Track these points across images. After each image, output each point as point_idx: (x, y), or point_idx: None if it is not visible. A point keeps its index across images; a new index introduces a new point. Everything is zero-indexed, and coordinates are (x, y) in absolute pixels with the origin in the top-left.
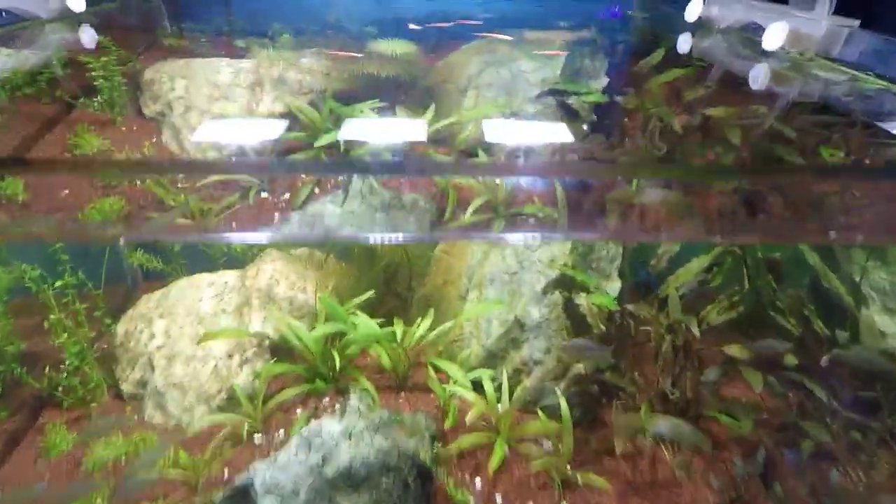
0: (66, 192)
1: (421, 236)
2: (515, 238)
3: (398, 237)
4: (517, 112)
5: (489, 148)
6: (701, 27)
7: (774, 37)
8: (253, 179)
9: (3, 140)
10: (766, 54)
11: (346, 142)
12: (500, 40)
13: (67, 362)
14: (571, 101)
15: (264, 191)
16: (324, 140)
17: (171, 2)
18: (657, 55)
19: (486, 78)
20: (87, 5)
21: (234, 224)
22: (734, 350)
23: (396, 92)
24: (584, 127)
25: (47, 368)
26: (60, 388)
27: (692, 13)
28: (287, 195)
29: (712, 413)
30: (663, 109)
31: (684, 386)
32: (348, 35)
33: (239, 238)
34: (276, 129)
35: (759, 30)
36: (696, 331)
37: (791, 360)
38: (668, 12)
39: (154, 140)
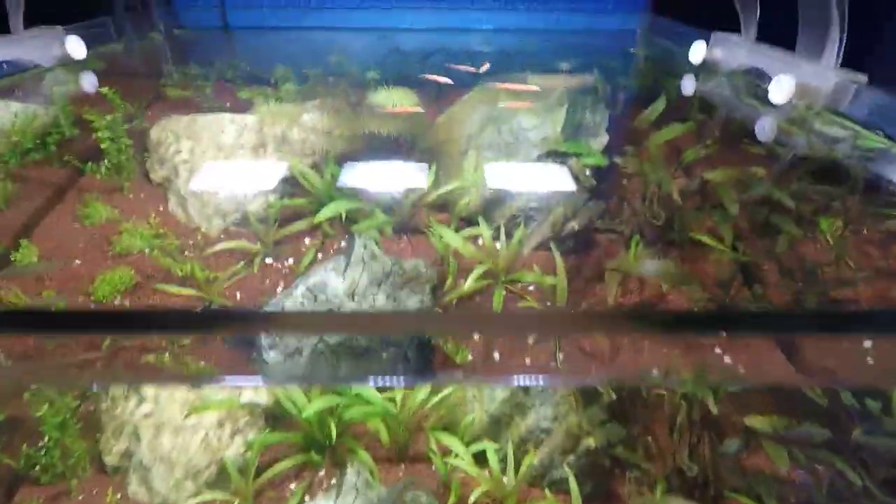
0: (79, 262)
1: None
2: (519, 380)
3: (399, 381)
4: (518, 176)
5: (490, 215)
6: (705, 69)
7: (781, 90)
8: (257, 246)
9: (16, 211)
10: (771, 104)
11: (349, 210)
12: (500, 89)
13: (47, 438)
14: (571, 163)
15: (269, 257)
16: (326, 213)
17: (173, 38)
18: (658, 106)
19: (486, 137)
20: (88, 48)
21: (238, 294)
22: (755, 422)
23: (398, 152)
24: (584, 192)
25: (24, 445)
26: (38, 467)
27: (696, 55)
28: (290, 261)
29: (734, 494)
30: (662, 174)
31: (702, 458)
32: (351, 81)
33: (231, 381)
34: (278, 193)
35: (764, 76)
36: (713, 407)
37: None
38: (672, 50)
39: (161, 209)
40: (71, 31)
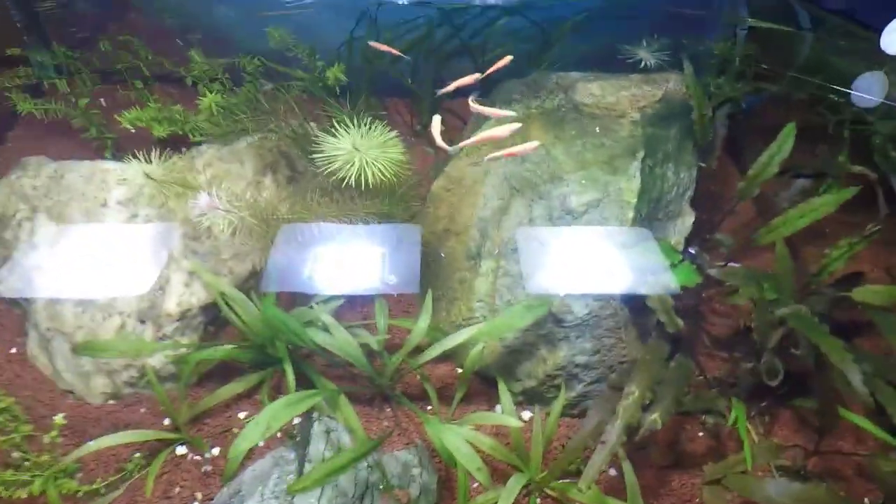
0: None
1: None
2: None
3: None
4: (559, 304)
5: (514, 370)
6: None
7: None
8: (162, 435)
9: None
10: None
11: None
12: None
13: None
14: (648, 282)
15: (181, 445)
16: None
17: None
18: (784, 144)
19: (508, 227)
20: None
21: None
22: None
23: (371, 255)
24: (666, 342)
25: None
26: None
27: (892, 41)
28: (216, 450)
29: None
30: (793, 311)
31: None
32: (302, 88)
33: None
34: (190, 335)
35: None
36: None
37: None
38: (831, 21)
39: (14, 351)
40: None
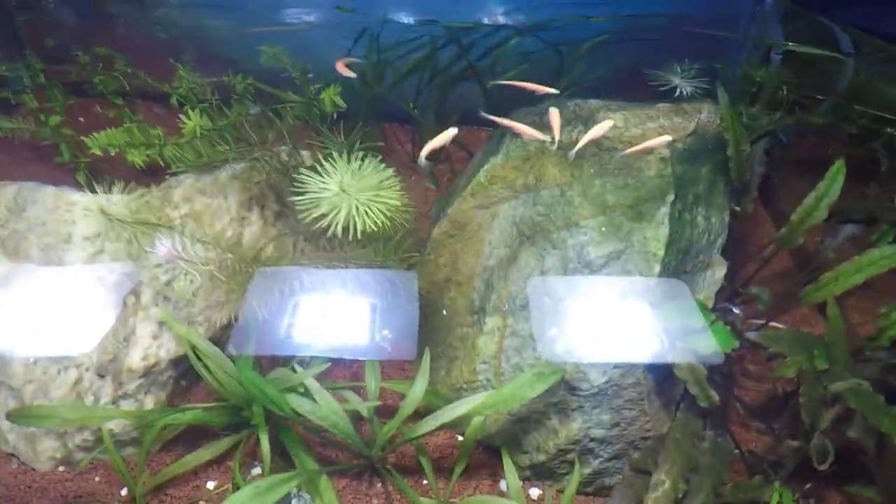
0: None
1: None
2: None
3: None
4: (573, 379)
5: (521, 441)
6: None
7: None
8: None
9: None
10: None
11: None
12: (542, 140)
13: None
14: (677, 349)
15: None
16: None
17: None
18: (833, 182)
19: (516, 279)
20: None
21: None
22: None
23: (360, 303)
24: (698, 417)
25: None
26: None
27: None
28: None
29: None
30: (851, 386)
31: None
32: (294, 114)
33: None
34: (156, 392)
35: None
36: None
37: None
38: (876, 45)
39: None
40: None
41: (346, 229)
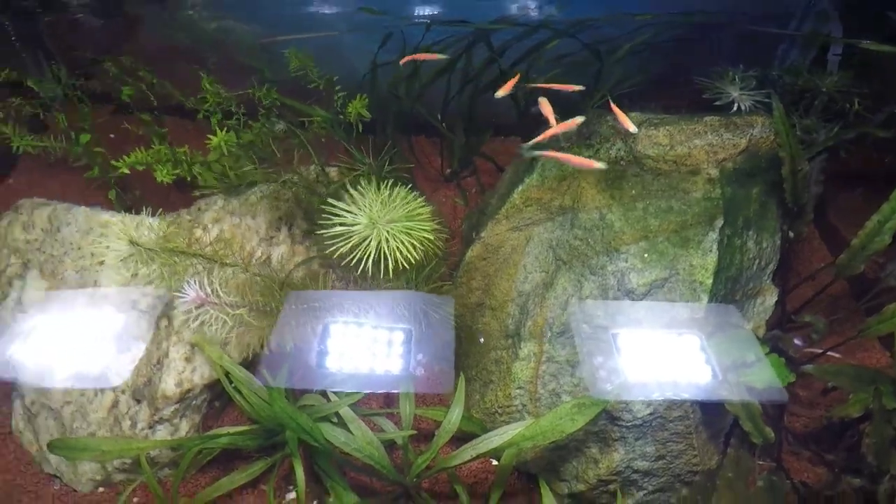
0: None
1: None
2: None
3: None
4: (613, 411)
5: (560, 468)
6: None
7: None
8: None
9: None
10: None
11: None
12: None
13: None
14: (730, 385)
15: None
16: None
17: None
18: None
19: (553, 305)
20: None
21: None
22: None
23: (395, 349)
24: (749, 459)
25: None
26: None
27: None
28: None
29: None
30: None
31: None
32: (320, 125)
33: None
34: (191, 416)
35: None
36: None
37: None
38: None
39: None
40: None
41: (376, 262)
